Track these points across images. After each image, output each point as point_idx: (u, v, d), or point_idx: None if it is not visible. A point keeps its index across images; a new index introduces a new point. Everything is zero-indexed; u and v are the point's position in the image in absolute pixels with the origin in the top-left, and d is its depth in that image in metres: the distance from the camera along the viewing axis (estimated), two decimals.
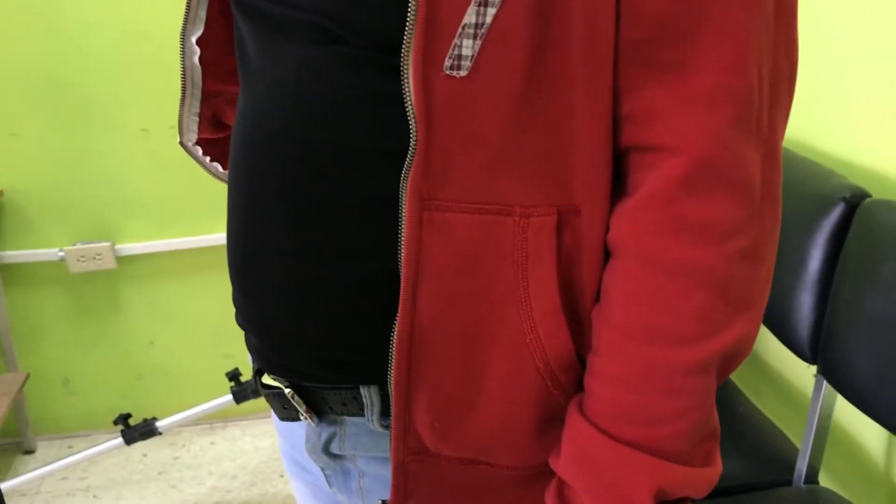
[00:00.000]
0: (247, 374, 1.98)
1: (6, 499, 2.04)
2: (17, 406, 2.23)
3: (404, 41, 0.56)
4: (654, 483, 0.58)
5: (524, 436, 0.64)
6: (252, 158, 0.66)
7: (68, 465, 2.01)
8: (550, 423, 0.64)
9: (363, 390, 0.67)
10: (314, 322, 0.66)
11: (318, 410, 0.71)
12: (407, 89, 0.57)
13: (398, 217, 0.61)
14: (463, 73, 0.56)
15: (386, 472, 0.70)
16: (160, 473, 2.20)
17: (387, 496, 0.70)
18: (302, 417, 0.72)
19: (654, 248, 0.58)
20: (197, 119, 0.83)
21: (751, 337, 0.60)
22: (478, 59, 0.56)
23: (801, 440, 1.43)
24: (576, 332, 0.63)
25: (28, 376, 2.02)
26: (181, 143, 0.85)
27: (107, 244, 2.11)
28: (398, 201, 0.61)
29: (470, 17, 0.55)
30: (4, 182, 2.06)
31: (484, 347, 0.62)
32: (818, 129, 1.56)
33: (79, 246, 2.10)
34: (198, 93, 0.81)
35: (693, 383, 0.58)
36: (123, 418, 1.96)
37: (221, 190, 2.10)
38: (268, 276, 0.67)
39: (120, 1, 1.92)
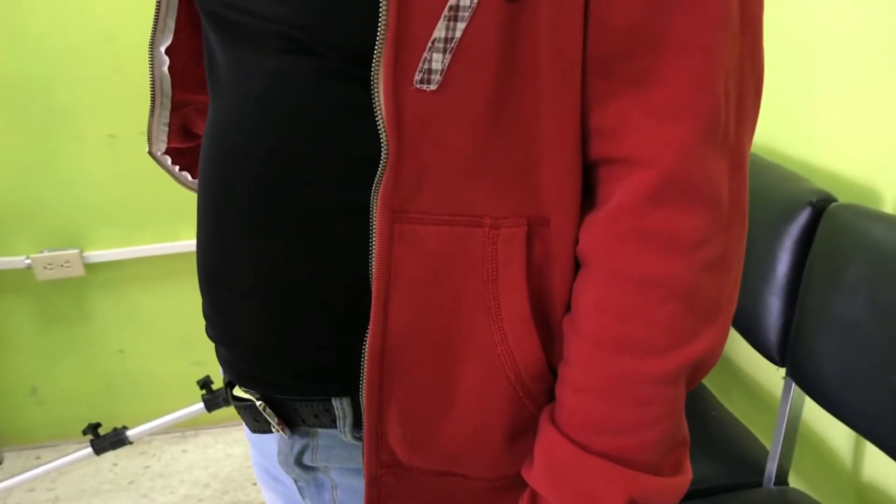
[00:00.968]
0: (218, 382, 1.97)
1: None
2: None
3: (374, 54, 0.56)
4: (626, 493, 0.59)
5: (496, 446, 0.64)
6: (222, 169, 0.66)
7: (36, 476, 1.98)
8: (522, 433, 0.64)
9: (335, 402, 0.67)
10: (285, 334, 0.66)
11: (290, 422, 0.71)
12: (377, 102, 0.57)
13: (369, 228, 0.61)
14: (433, 86, 0.56)
15: (359, 483, 0.70)
16: (131, 483, 2.18)
17: None
18: (274, 430, 0.71)
19: (622, 259, 0.58)
20: (167, 129, 0.83)
21: (719, 346, 0.61)
22: (447, 73, 0.56)
23: (771, 442, 1.44)
24: (547, 342, 0.63)
25: None
26: (150, 153, 0.84)
27: (75, 251, 2.08)
28: (369, 212, 0.61)
29: (440, 32, 0.55)
30: None
31: (455, 358, 0.62)
32: (784, 134, 1.58)
33: (46, 253, 2.08)
34: (167, 102, 0.81)
35: (662, 393, 0.59)
36: (93, 428, 1.94)
37: (190, 197, 2.09)
38: (238, 287, 0.67)
39: (84, 3, 1.90)
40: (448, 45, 0.55)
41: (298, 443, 0.72)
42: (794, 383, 1.39)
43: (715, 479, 1.44)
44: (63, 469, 2.14)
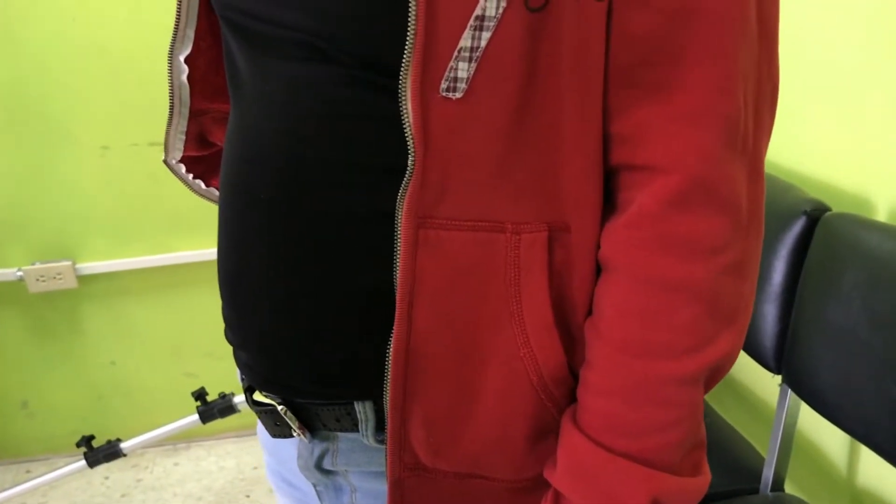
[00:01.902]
0: (213, 394, 1.97)
1: None
2: None
3: (403, 64, 0.57)
4: (650, 493, 0.60)
5: (518, 449, 0.65)
6: (244, 175, 0.67)
7: (27, 490, 1.97)
8: (544, 435, 0.65)
9: (357, 406, 0.67)
10: (307, 338, 0.66)
11: (311, 426, 0.71)
12: (405, 111, 0.58)
13: (392, 234, 0.62)
14: (458, 94, 0.57)
15: (379, 486, 0.71)
16: (123, 496, 2.16)
17: None
18: (295, 434, 0.72)
19: (645, 264, 0.59)
20: (183, 137, 0.83)
21: (736, 349, 0.62)
22: (472, 82, 0.57)
23: (767, 449, 1.46)
24: (568, 346, 0.64)
25: None
26: (165, 162, 0.85)
27: (67, 263, 2.08)
28: (391, 218, 0.62)
29: (465, 41, 0.56)
30: None
31: (478, 362, 0.63)
32: (778, 145, 1.61)
33: (38, 265, 2.07)
34: (185, 111, 0.82)
35: (684, 395, 0.60)
36: (86, 440, 1.93)
37: (184, 208, 2.09)
38: (260, 292, 0.68)
39: (78, 15, 1.90)
40: (473, 55, 0.56)
41: (318, 447, 0.72)
42: (790, 390, 1.40)
43: (711, 486, 1.46)
44: (54, 483, 2.13)
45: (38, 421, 2.26)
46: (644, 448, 0.60)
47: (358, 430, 0.69)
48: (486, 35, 0.56)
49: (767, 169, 1.61)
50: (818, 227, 1.35)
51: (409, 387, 0.63)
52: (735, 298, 0.61)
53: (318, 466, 0.73)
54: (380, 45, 0.58)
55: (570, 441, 0.63)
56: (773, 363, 1.43)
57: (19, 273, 2.05)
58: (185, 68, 0.79)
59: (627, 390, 0.60)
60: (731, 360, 0.62)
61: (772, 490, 1.45)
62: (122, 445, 1.94)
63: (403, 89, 0.58)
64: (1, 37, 1.89)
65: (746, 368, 1.81)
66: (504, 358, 0.63)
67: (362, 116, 0.61)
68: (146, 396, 2.29)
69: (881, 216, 1.36)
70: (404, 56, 0.57)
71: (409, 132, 0.58)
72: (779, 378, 1.43)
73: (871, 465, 1.43)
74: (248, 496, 2.15)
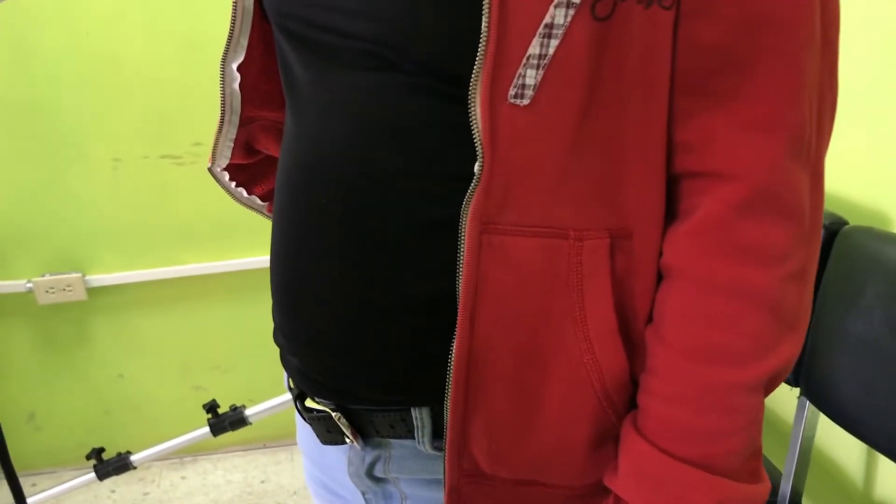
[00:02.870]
0: (224, 406, 1.96)
1: None
2: None
3: (473, 72, 0.58)
4: (714, 499, 0.60)
5: (579, 455, 0.65)
6: (306, 183, 0.68)
7: (34, 503, 1.95)
8: (603, 441, 0.66)
9: (414, 412, 0.68)
10: (369, 344, 0.67)
11: (364, 433, 0.72)
12: (474, 118, 0.59)
13: (455, 239, 0.63)
14: (526, 101, 0.58)
15: (430, 494, 0.71)
16: None
17: None
18: (347, 440, 0.72)
19: (710, 270, 0.60)
20: (231, 145, 0.84)
21: (795, 356, 0.63)
22: (539, 89, 0.58)
23: (784, 463, 1.46)
24: (629, 353, 0.65)
25: None
26: (210, 169, 0.85)
27: (77, 275, 2.07)
28: (455, 224, 0.62)
29: (534, 49, 0.57)
30: None
31: (541, 369, 0.64)
32: None
33: (48, 277, 2.06)
34: (236, 119, 0.82)
35: (747, 401, 0.61)
36: (96, 452, 1.92)
37: (194, 220, 2.09)
38: (321, 296, 0.68)
39: (90, 27, 1.90)
40: (541, 62, 0.57)
41: (370, 454, 0.72)
42: (808, 402, 1.41)
43: None
44: (60, 496, 2.11)
45: (45, 433, 2.24)
46: (708, 454, 0.61)
47: (412, 437, 0.69)
48: (553, 43, 0.57)
49: None
50: (836, 241, 1.37)
51: (471, 392, 0.64)
52: (797, 305, 0.62)
53: (370, 474, 0.73)
54: (450, 53, 0.59)
55: (632, 447, 0.63)
56: (791, 375, 1.44)
57: (29, 285, 2.05)
58: (238, 76, 0.80)
59: (691, 397, 0.61)
60: (790, 366, 0.63)
61: None
62: (133, 458, 1.93)
63: (473, 96, 0.58)
64: (13, 49, 1.89)
65: None
66: (567, 364, 0.63)
67: (427, 124, 0.62)
68: (154, 410, 2.28)
69: None
70: (475, 64, 0.58)
71: (478, 139, 0.59)
72: (797, 391, 1.44)
73: (891, 479, 1.44)
74: None
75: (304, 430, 0.86)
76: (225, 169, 0.87)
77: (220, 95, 0.79)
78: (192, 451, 2.35)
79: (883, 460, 1.45)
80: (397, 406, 0.68)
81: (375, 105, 0.63)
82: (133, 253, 2.12)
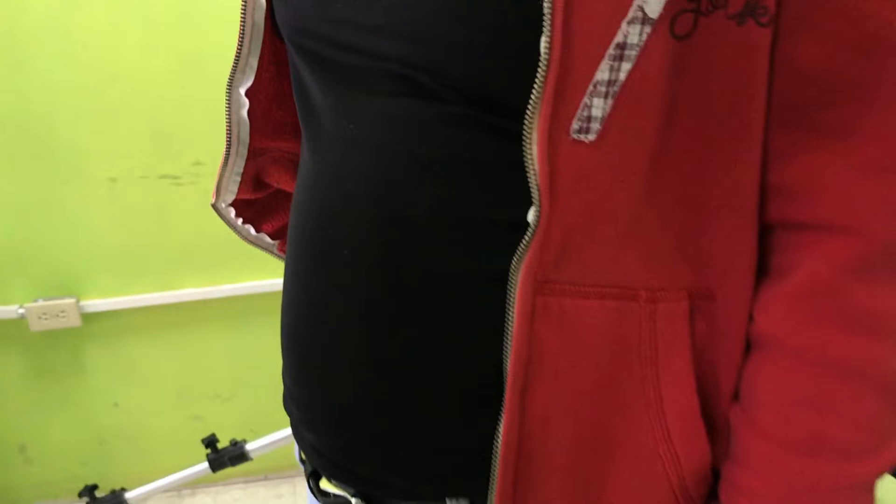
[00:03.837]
0: (224, 440, 1.87)
1: None
2: None
3: (530, 102, 0.48)
4: None
5: None
6: (325, 227, 0.58)
7: None
8: None
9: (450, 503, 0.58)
10: (398, 422, 0.57)
11: None
12: (529, 156, 0.49)
13: (503, 300, 0.53)
14: (591, 136, 0.49)
15: None
16: None
17: None
18: None
19: (817, 343, 0.50)
20: (238, 179, 0.74)
21: None
22: (608, 121, 0.48)
23: None
24: (710, 438, 0.55)
25: None
26: (213, 206, 0.76)
27: (71, 300, 1.98)
28: (503, 281, 0.53)
29: (602, 73, 0.47)
30: None
31: (605, 458, 0.54)
32: None
33: (41, 302, 1.97)
34: (244, 150, 0.72)
35: (859, 502, 0.51)
36: (89, 490, 1.83)
37: (193, 243, 2.00)
38: (342, 362, 0.58)
39: (86, 41, 1.81)
40: (611, 89, 0.48)
41: None
42: None
43: None
44: None
45: (37, 466, 2.14)
46: None
47: None
48: (626, 66, 0.47)
49: None
50: None
51: (521, 485, 0.54)
52: None
53: None
54: (498, 78, 0.50)
55: None
56: None
57: (21, 311, 1.95)
58: (246, 102, 0.70)
59: (792, 496, 0.51)
60: None
61: None
62: (128, 495, 1.83)
63: (529, 131, 0.49)
64: (7, 64, 1.80)
65: None
66: (637, 454, 0.53)
67: (470, 162, 0.52)
68: (151, 440, 2.18)
69: None
70: (533, 91, 0.48)
71: (534, 181, 0.49)
72: None
73: None
74: None
75: None
76: (231, 205, 0.77)
77: (225, 123, 0.69)
78: (190, 485, 2.25)
79: None
80: (430, 497, 0.58)
81: (408, 138, 0.53)
82: (130, 277, 2.03)
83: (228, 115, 0.69)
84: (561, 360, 0.53)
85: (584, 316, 0.52)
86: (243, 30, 0.66)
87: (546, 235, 0.51)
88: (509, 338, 0.52)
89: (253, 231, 0.81)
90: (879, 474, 0.50)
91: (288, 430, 1.83)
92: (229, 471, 2.12)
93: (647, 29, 0.46)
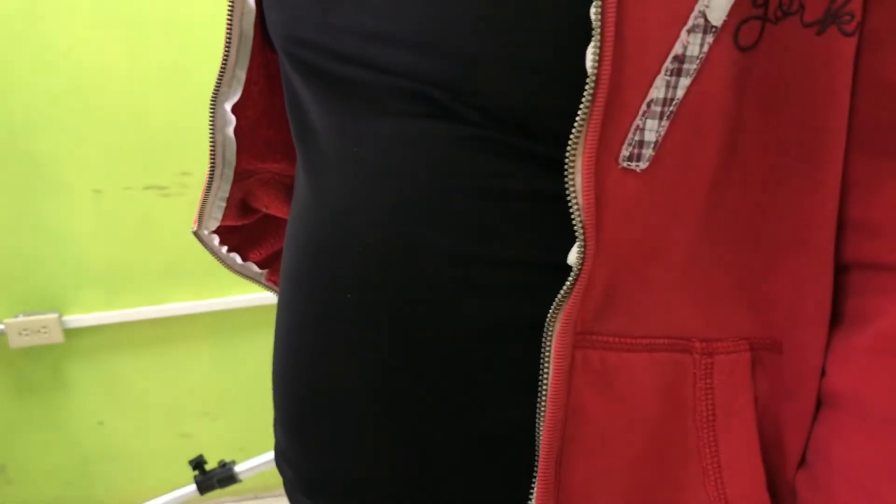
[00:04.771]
0: (212, 462, 1.80)
1: None
2: None
3: (575, 126, 0.41)
4: None
5: None
6: (323, 267, 0.51)
7: None
8: None
9: None
10: (412, 491, 0.50)
11: None
12: (573, 188, 0.42)
13: (537, 354, 0.46)
14: (643, 164, 0.42)
15: None
16: None
17: None
18: None
19: None
20: (223, 205, 0.67)
21: None
22: (662, 147, 0.42)
23: None
24: None
25: None
26: (195, 233, 0.69)
27: (53, 315, 1.90)
28: (538, 332, 0.46)
29: (658, 91, 0.41)
30: None
31: None
32: None
33: (21, 318, 1.89)
34: (229, 173, 0.65)
35: None
36: None
37: (180, 256, 1.93)
38: (346, 424, 0.51)
39: (69, 47, 1.74)
40: (666, 109, 0.41)
41: None
42: None
43: None
44: None
45: (18, 488, 2.07)
46: None
47: None
48: (684, 82, 0.41)
49: None
50: None
51: None
52: None
53: None
54: (534, 95, 0.43)
55: None
56: None
57: (0, 326, 1.88)
58: (233, 119, 0.62)
59: None
60: None
61: None
62: None
63: (573, 157, 0.42)
64: None
65: None
66: None
67: (497, 193, 0.45)
68: (137, 459, 2.10)
69: None
70: (579, 112, 0.41)
71: (578, 216, 0.42)
72: None
73: None
74: None
75: None
76: (214, 231, 0.70)
77: (209, 144, 0.62)
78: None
79: None
80: None
81: (422, 165, 0.46)
82: (114, 291, 1.96)
83: (213, 133, 0.62)
84: (604, 424, 0.46)
85: (630, 372, 0.45)
86: (229, 38, 0.59)
87: (590, 279, 0.44)
88: (544, 398, 0.45)
89: (239, 260, 0.74)
90: None
91: None
92: (219, 490, 2.05)
93: (710, 38, 0.40)
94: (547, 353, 0.45)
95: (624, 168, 0.42)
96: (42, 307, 1.92)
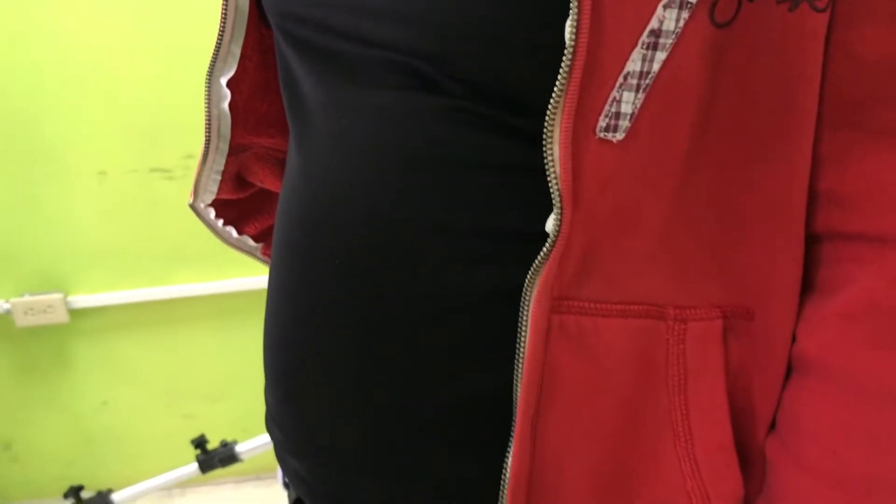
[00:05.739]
0: (214, 441, 1.82)
1: None
2: None
3: (553, 97, 0.42)
4: None
5: None
6: (313, 236, 0.52)
7: None
8: None
9: None
10: (394, 453, 0.51)
11: None
12: (550, 158, 0.43)
13: (515, 319, 0.47)
14: (619, 135, 0.43)
15: None
16: None
17: None
18: None
19: (874, 370, 0.44)
20: (219, 178, 0.68)
21: None
22: (638, 118, 0.43)
23: None
24: (744, 473, 0.49)
25: None
26: (191, 206, 0.70)
27: (58, 296, 1.92)
28: (515, 298, 0.47)
29: (634, 64, 0.42)
30: None
31: (627, 495, 0.48)
32: None
33: (27, 298, 1.91)
34: (224, 147, 0.66)
35: None
36: (74, 491, 1.78)
37: (185, 238, 1.94)
38: (328, 386, 0.53)
39: (74, 30, 1.75)
40: (642, 82, 0.42)
41: None
42: None
43: None
44: None
45: (23, 465, 2.09)
46: None
47: None
48: (660, 56, 0.42)
49: None
50: None
51: None
52: None
53: None
54: (513, 68, 0.44)
55: None
56: None
57: (6, 306, 1.90)
58: (228, 93, 0.64)
59: None
60: None
61: None
62: (114, 497, 1.78)
63: (550, 129, 0.43)
64: None
65: None
66: (663, 490, 0.48)
67: (479, 164, 0.47)
68: (139, 439, 2.13)
69: None
70: (557, 83, 0.42)
71: (555, 186, 0.44)
72: None
73: None
74: None
75: None
76: (210, 205, 0.71)
77: (204, 117, 0.64)
78: (180, 485, 2.20)
79: None
80: None
81: (407, 136, 0.48)
82: (119, 272, 1.97)
83: (208, 107, 0.63)
84: (579, 386, 0.47)
85: (605, 337, 0.47)
86: (225, 13, 0.60)
87: (566, 246, 0.45)
88: (521, 360, 0.47)
89: (234, 233, 0.76)
90: None
91: None
92: (220, 470, 2.08)
93: (685, 14, 0.41)
94: (525, 317, 0.46)
95: (601, 139, 0.44)
96: (47, 287, 1.94)
